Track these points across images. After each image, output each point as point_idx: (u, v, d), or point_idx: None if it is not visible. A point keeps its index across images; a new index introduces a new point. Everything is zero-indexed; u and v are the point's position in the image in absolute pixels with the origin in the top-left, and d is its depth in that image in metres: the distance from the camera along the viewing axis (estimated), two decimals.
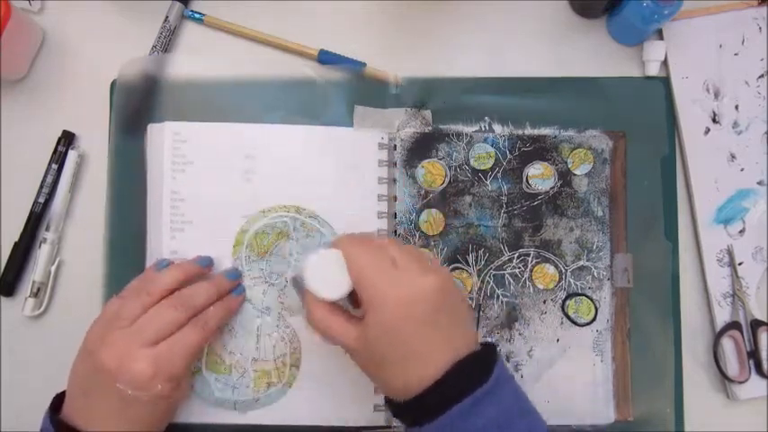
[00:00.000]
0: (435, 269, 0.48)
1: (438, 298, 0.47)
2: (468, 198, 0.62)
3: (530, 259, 0.62)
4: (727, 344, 0.62)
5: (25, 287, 0.62)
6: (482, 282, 0.61)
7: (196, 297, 0.55)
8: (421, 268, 0.48)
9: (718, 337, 0.61)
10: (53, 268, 0.62)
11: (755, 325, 0.61)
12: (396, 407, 0.48)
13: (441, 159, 0.62)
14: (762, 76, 0.64)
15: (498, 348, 0.51)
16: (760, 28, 0.64)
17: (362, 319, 0.48)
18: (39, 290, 0.62)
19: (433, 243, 0.62)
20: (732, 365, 0.61)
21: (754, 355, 0.61)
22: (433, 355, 0.46)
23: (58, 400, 0.53)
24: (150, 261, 0.61)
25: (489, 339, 0.61)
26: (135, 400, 0.50)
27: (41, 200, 0.62)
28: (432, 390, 0.45)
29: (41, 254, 0.62)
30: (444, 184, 0.62)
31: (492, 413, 0.45)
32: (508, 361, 0.61)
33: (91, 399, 0.51)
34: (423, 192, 0.62)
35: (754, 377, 0.61)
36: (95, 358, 0.51)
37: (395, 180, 0.62)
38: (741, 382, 0.60)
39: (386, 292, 0.47)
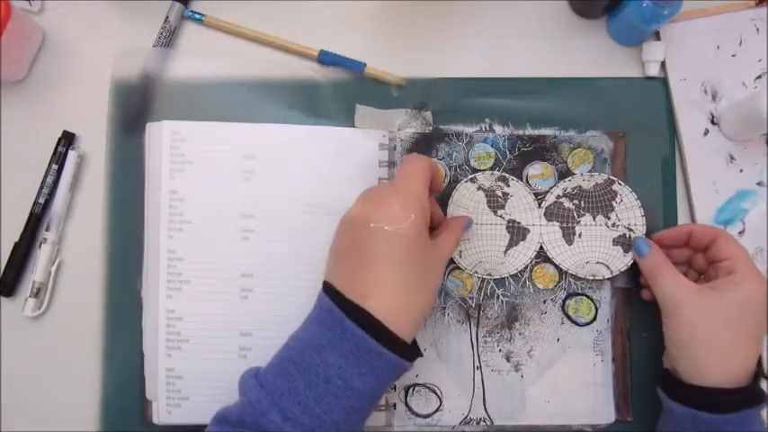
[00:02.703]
0: None
1: None
2: None
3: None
4: None
5: (25, 287, 0.62)
6: (482, 282, 0.62)
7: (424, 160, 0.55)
8: None
9: None
10: (53, 268, 0.62)
11: None
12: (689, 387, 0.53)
13: (441, 159, 0.63)
14: (759, 77, 0.64)
15: None
16: (757, 29, 0.64)
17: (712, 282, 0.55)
18: (39, 290, 0.61)
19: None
20: None
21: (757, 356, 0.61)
22: (752, 354, 0.53)
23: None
24: (148, 261, 0.61)
25: (488, 339, 0.61)
26: (397, 235, 0.49)
27: (41, 200, 0.62)
28: (744, 388, 0.52)
29: (41, 254, 0.62)
30: (444, 184, 0.62)
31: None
32: (508, 361, 0.61)
33: (352, 259, 0.50)
34: None
35: None
36: (348, 220, 0.52)
37: None
38: None
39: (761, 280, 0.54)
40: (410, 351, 0.50)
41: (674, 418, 0.54)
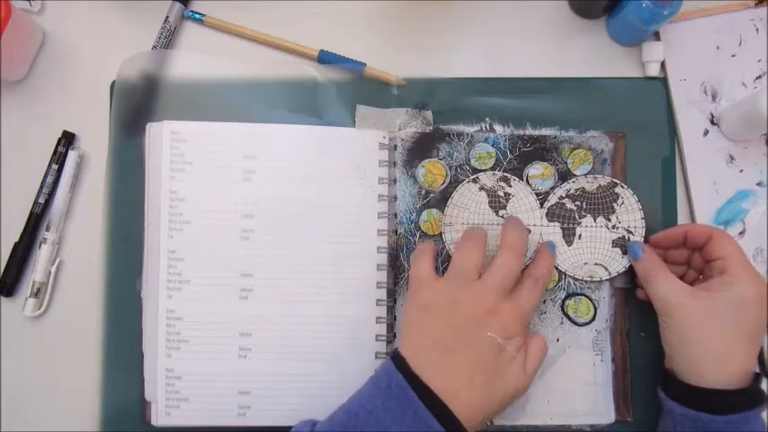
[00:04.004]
0: None
1: None
2: None
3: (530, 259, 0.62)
4: None
5: (25, 287, 0.62)
6: None
7: (522, 242, 0.56)
8: None
9: None
10: (53, 268, 0.62)
11: None
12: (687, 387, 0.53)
13: (441, 159, 0.63)
14: (759, 77, 0.64)
15: None
16: (757, 29, 0.64)
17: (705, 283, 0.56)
18: (39, 290, 0.61)
19: (433, 243, 0.62)
20: None
21: (759, 356, 0.60)
22: (750, 354, 0.53)
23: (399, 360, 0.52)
24: (148, 261, 0.61)
25: None
26: (501, 351, 0.52)
27: (41, 200, 0.62)
28: (744, 390, 0.52)
29: (41, 254, 0.62)
30: (445, 184, 0.62)
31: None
32: None
33: (454, 355, 0.51)
34: (423, 192, 0.62)
35: None
36: (459, 311, 0.52)
37: (395, 180, 0.62)
38: None
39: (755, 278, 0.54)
40: None
41: (674, 419, 0.54)
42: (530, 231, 0.61)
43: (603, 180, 0.62)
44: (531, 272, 0.56)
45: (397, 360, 0.52)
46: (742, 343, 0.53)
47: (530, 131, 0.63)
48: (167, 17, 0.64)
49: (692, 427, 0.52)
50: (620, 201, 0.62)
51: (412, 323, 0.54)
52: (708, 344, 0.53)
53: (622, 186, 0.62)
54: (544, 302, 0.62)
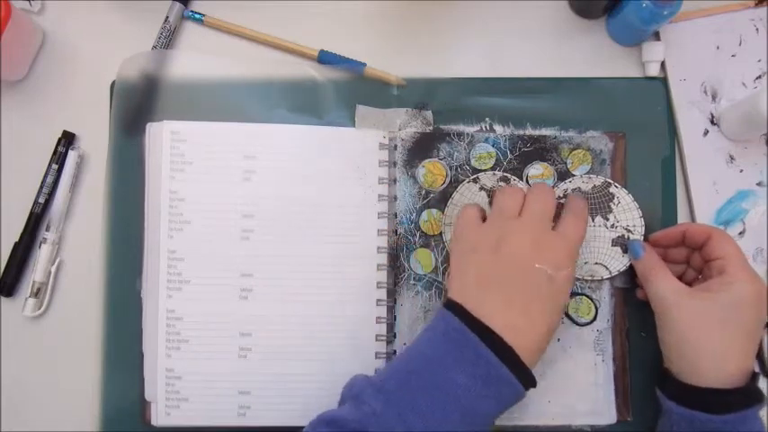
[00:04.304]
0: None
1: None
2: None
3: None
4: None
5: (25, 287, 0.62)
6: None
7: (547, 186, 0.58)
8: None
9: None
10: (53, 268, 0.62)
11: None
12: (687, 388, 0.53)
13: (441, 159, 0.63)
14: (759, 77, 0.64)
15: None
16: (757, 29, 0.64)
17: (703, 283, 0.56)
18: (39, 290, 0.61)
19: (433, 243, 0.62)
20: None
21: (758, 356, 0.61)
22: (748, 353, 0.53)
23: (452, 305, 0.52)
24: (148, 261, 0.61)
25: None
26: (551, 282, 0.52)
27: (41, 200, 0.62)
28: (742, 388, 0.52)
29: (41, 254, 0.62)
30: (445, 184, 0.62)
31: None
32: None
33: (507, 291, 0.51)
34: (423, 192, 0.62)
35: (759, 378, 0.60)
36: (506, 247, 0.52)
37: (395, 180, 0.62)
38: None
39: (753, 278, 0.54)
40: (532, 381, 0.50)
41: (672, 419, 0.54)
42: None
43: (598, 180, 0.62)
44: (568, 207, 0.57)
45: (451, 305, 0.52)
46: (740, 342, 0.53)
47: (530, 131, 0.63)
48: (167, 17, 0.64)
49: (688, 426, 0.52)
50: (615, 200, 0.62)
51: (461, 266, 0.55)
52: (706, 344, 0.53)
53: (616, 186, 0.62)
54: None
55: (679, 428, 0.53)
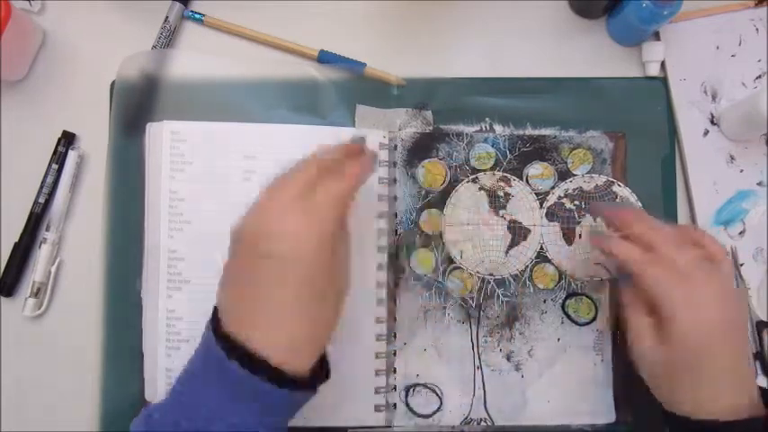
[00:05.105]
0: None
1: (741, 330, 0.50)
2: None
3: None
4: None
5: (25, 287, 0.62)
6: (482, 282, 0.62)
7: (328, 155, 0.50)
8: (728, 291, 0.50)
9: None
10: (53, 268, 0.62)
11: (761, 326, 0.61)
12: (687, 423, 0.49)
13: (441, 159, 0.63)
14: (759, 77, 0.64)
15: None
16: (757, 29, 0.64)
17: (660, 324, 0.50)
18: (39, 290, 0.61)
19: (433, 243, 0.62)
20: None
21: (760, 356, 0.61)
22: (735, 387, 0.49)
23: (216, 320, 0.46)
24: (147, 261, 0.61)
25: (489, 339, 0.61)
26: (296, 263, 0.44)
27: (41, 200, 0.62)
28: (742, 423, 0.47)
29: (41, 254, 0.61)
30: (445, 184, 0.62)
31: None
32: (509, 361, 0.61)
33: (252, 289, 0.45)
34: (423, 192, 0.62)
35: (760, 378, 0.60)
36: (244, 235, 0.46)
37: (395, 180, 0.62)
38: None
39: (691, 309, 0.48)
40: (308, 380, 0.46)
41: None
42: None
43: (600, 179, 0.62)
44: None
45: (214, 313, 0.47)
46: (720, 378, 0.49)
47: (530, 131, 0.63)
48: (167, 17, 0.64)
49: None
50: (618, 200, 0.62)
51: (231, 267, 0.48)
52: (676, 387, 0.50)
53: (619, 185, 0.62)
54: (545, 302, 0.61)
55: None
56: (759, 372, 0.60)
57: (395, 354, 0.61)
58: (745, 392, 0.49)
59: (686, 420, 0.49)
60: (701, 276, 0.49)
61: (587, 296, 0.62)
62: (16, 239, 0.62)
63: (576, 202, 0.62)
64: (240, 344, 0.44)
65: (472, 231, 0.62)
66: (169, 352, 0.60)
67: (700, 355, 0.48)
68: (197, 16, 0.65)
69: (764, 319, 0.61)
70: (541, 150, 0.63)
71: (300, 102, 0.63)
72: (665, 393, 0.52)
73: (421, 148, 0.63)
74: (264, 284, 0.44)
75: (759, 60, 0.64)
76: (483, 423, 0.61)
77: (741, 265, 0.62)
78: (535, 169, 0.63)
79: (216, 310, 0.47)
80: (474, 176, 0.62)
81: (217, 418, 0.43)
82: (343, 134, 0.61)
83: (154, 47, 0.64)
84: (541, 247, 0.62)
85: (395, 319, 0.61)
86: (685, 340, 0.48)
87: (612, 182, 0.62)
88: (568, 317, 0.61)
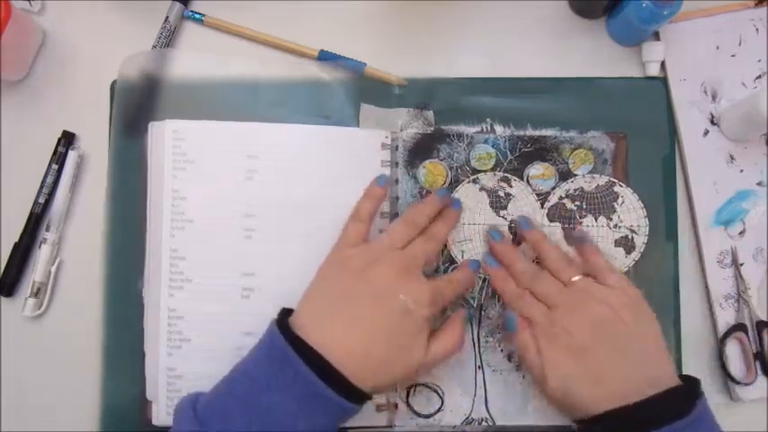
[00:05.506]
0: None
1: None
2: None
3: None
4: (732, 346, 0.61)
5: (25, 287, 0.62)
6: (483, 282, 0.61)
7: (419, 216, 0.58)
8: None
9: (723, 339, 0.61)
10: (53, 268, 0.62)
11: (761, 326, 0.61)
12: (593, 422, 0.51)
13: (442, 160, 0.63)
14: (759, 77, 0.64)
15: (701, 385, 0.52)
16: (757, 29, 0.64)
17: None
18: (39, 290, 0.61)
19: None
20: (738, 367, 0.61)
21: (760, 356, 0.61)
22: (632, 378, 0.51)
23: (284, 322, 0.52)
24: (149, 260, 0.61)
25: (490, 339, 0.61)
26: (407, 315, 0.52)
27: (41, 200, 0.62)
28: (631, 410, 0.49)
29: (41, 254, 0.61)
30: (445, 185, 0.62)
31: None
32: (510, 361, 0.61)
33: (346, 309, 0.52)
34: (424, 192, 0.62)
35: (761, 378, 0.61)
36: (371, 272, 0.53)
37: (397, 180, 0.62)
38: (748, 384, 0.60)
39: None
40: (363, 396, 0.50)
41: None
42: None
43: (602, 179, 0.62)
44: (451, 276, 0.59)
45: (282, 322, 0.52)
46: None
47: (530, 132, 0.63)
48: (167, 17, 0.64)
49: None
50: (620, 200, 0.62)
51: (320, 279, 0.55)
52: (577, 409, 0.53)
53: (621, 185, 0.62)
54: None
55: None
56: (759, 372, 0.60)
57: None
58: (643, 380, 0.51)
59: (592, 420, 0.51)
60: (561, 315, 0.54)
61: None
62: (16, 239, 0.62)
63: (578, 203, 0.62)
64: (317, 353, 0.49)
65: (473, 231, 0.62)
66: (170, 351, 0.60)
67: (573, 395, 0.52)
68: (197, 16, 0.65)
69: (764, 319, 0.61)
70: (542, 151, 0.63)
71: (302, 101, 0.63)
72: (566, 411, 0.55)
73: (422, 149, 0.63)
74: (383, 321, 0.52)
75: (759, 60, 0.64)
76: (484, 423, 0.61)
77: (741, 265, 0.62)
78: (536, 170, 0.63)
79: (285, 324, 0.52)
80: (475, 177, 0.62)
81: (279, 420, 0.48)
82: (347, 134, 0.62)
83: (154, 47, 0.64)
84: None
85: None
86: (555, 394, 0.53)
87: (614, 182, 0.62)
88: None
